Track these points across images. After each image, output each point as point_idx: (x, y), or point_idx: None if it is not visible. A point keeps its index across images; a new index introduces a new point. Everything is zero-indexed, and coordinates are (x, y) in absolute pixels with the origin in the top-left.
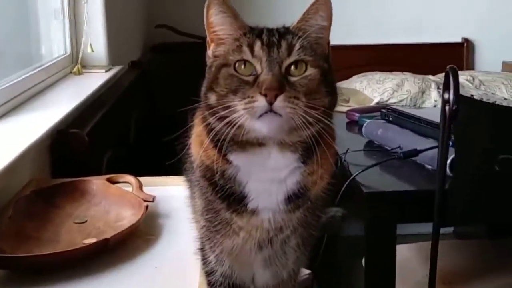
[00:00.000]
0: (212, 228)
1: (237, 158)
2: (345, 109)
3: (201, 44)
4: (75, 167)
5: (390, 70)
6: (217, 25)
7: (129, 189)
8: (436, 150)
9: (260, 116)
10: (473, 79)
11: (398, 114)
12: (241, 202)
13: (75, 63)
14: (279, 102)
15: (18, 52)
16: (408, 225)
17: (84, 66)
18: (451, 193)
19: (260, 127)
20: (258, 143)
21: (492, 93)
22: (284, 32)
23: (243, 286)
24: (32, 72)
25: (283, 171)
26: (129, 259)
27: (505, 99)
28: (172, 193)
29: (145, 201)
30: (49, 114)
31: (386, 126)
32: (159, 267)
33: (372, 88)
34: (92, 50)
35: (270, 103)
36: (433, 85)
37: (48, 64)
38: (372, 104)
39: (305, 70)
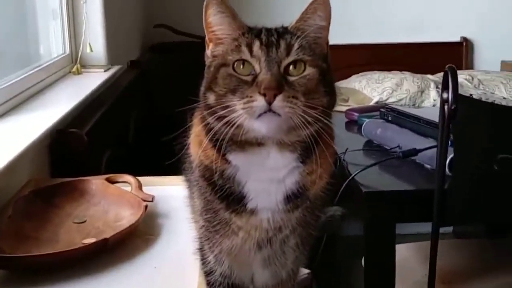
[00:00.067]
0: (211, 228)
1: (236, 158)
2: (344, 108)
3: (200, 44)
4: (74, 166)
5: (389, 70)
6: (215, 25)
7: (128, 189)
8: (435, 149)
9: (259, 115)
10: (472, 79)
11: (397, 114)
12: (240, 202)
13: (74, 63)
14: (278, 102)
15: (17, 52)
16: (407, 224)
17: (83, 66)
18: (450, 192)
19: (259, 127)
20: (257, 143)
21: (491, 93)
22: (282, 32)
23: (242, 286)
24: (31, 72)
25: (282, 170)
26: (128, 259)
27: (504, 98)
28: (171, 193)
29: (144, 200)
30: (48, 114)
31: (385, 126)
32: (158, 267)
33: (371, 87)
34: (91, 50)
35: (269, 103)
36: (432, 85)
37: (47, 64)
38: (371, 103)
39: (304, 70)
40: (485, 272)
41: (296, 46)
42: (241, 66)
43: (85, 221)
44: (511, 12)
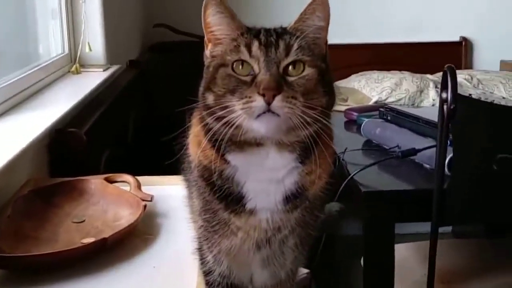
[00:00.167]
0: (210, 228)
1: (235, 158)
2: (343, 108)
3: (200, 43)
4: (73, 166)
5: (389, 69)
6: (214, 25)
7: (127, 188)
8: (434, 149)
9: (258, 116)
10: (471, 78)
11: (396, 113)
12: (239, 202)
13: (73, 62)
14: (277, 102)
15: (16, 52)
16: (407, 224)
17: (82, 65)
18: (449, 192)
19: (258, 127)
20: (256, 143)
21: (490, 92)
22: (281, 32)
23: (241, 286)
24: (30, 72)
25: (281, 171)
26: (127, 258)
27: (503, 98)
28: (170, 193)
29: (143, 200)
30: (47, 113)
31: (384, 125)
32: (157, 267)
33: (371, 87)
34: (90, 49)
35: (268, 103)
36: (431, 84)
37: (46, 63)
38: (371, 103)
39: (303, 70)
40: (484, 272)
41: (295, 46)
42: (240, 67)
43: (84, 220)
44: (510, 12)
